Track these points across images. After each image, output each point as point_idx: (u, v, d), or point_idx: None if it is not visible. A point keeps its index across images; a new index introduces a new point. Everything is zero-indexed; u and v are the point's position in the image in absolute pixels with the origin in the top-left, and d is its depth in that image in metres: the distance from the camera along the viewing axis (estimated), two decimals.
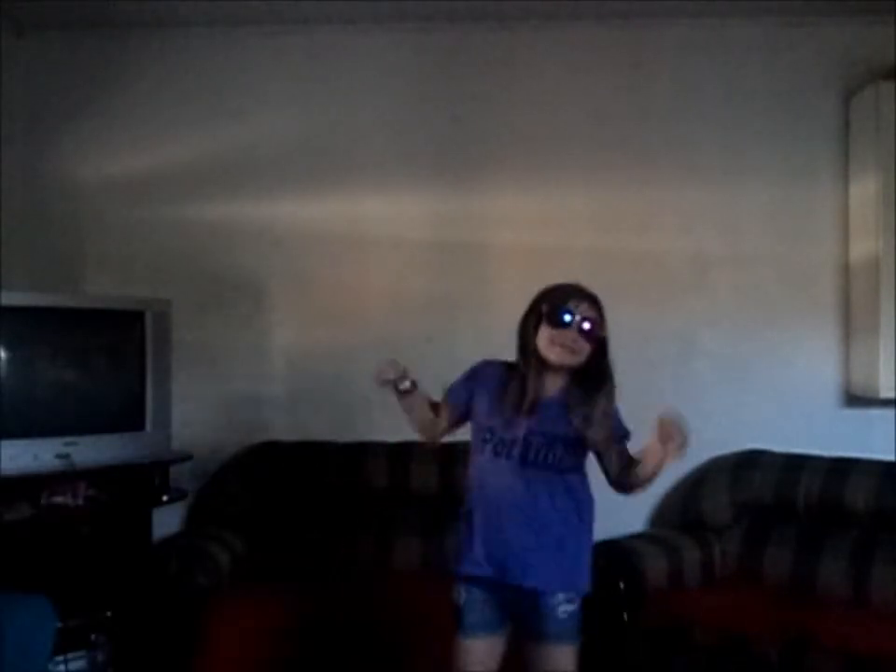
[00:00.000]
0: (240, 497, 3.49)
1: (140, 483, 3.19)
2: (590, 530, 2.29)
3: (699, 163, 3.67)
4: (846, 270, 3.58)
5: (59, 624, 2.70)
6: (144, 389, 3.20)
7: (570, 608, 2.21)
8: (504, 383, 2.22)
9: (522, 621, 2.24)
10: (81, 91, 3.76)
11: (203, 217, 3.75)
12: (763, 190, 3.64)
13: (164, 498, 3.26)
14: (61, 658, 2.87)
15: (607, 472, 2.27)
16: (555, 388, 2.22)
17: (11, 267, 3.41)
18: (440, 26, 3.67)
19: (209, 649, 2.88)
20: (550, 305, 2.19)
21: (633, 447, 2.27)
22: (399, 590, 3.09)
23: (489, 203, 3.70)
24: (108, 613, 3.01)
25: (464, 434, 2.34)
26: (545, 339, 2.17)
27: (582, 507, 2.27)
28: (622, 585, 3.04)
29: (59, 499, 2.93)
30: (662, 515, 3.61)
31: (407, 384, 2.25)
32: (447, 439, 2.42)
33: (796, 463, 3.32)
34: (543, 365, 2.19)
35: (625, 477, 2.25)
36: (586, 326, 2.16)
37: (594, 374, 2.21)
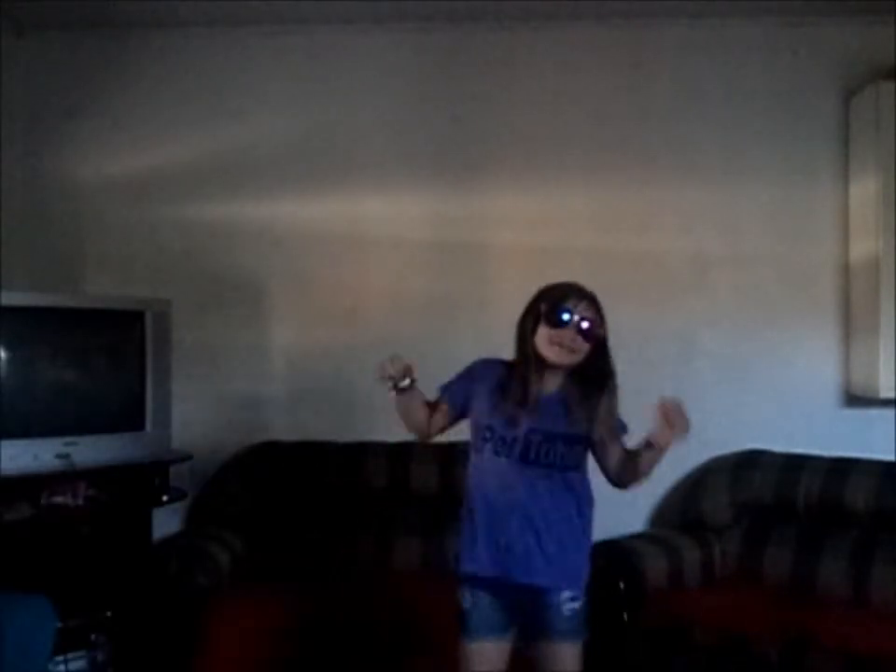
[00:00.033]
0: (240, 496, 3.49)
1: (140, 482, 3.19)
2: (590, 527, 2.29)
3: (699, 163, 3.67)
4: (846, 270, 3.58)
5: (59, 624, 2.70)
6: (144, 389, 3.20)
7: (575, 605, 2.23)
8: (503, 381, 2.22)
9: (527, 620, 2.24)
10: (81, 91, 3.76)
11: (203, 217, 3.75)
12: (763, 190, 3.64)
13: (164, 498, 3.25)
14: (61, 658, 2.87)
15: (605, 469, 2.28)
16: (554, 386, 2.23)
17: (11, 267, 3.41)
18: (440, 26, 3.67)
19: (209, 649, 2.88)
20: (548, 305, 2.19)
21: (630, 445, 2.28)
22: (398, 590, 3.09)
23: (489, 203, 3.70)
24: (108, 613, 3.01)
25: (464, 434, 2.34)
26: (544, 338, 2.17)
27: (582, 504, 2.27)
28: (622, 585, 3.04)
29: (59, 499, 2.93)
30: (662, 515, 3.62)
31: (406, 382, 2.24)
32: (447, 438, 2.42)
33: (796, 463, 3.32)
34: (542, 364, 2.19)
35: (624, 470, 2.26)
36: (584, 325, 2.17)
37: (594, 373, 2.21)
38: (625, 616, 3.00)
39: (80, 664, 2.95)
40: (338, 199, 3.73)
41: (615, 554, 3.15)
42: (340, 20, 3.66)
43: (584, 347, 2.18)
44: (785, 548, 3.22)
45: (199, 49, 3.75)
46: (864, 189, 3.46)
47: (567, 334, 2.16)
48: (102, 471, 3.02)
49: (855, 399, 3.54)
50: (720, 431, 3.52)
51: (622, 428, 2.27)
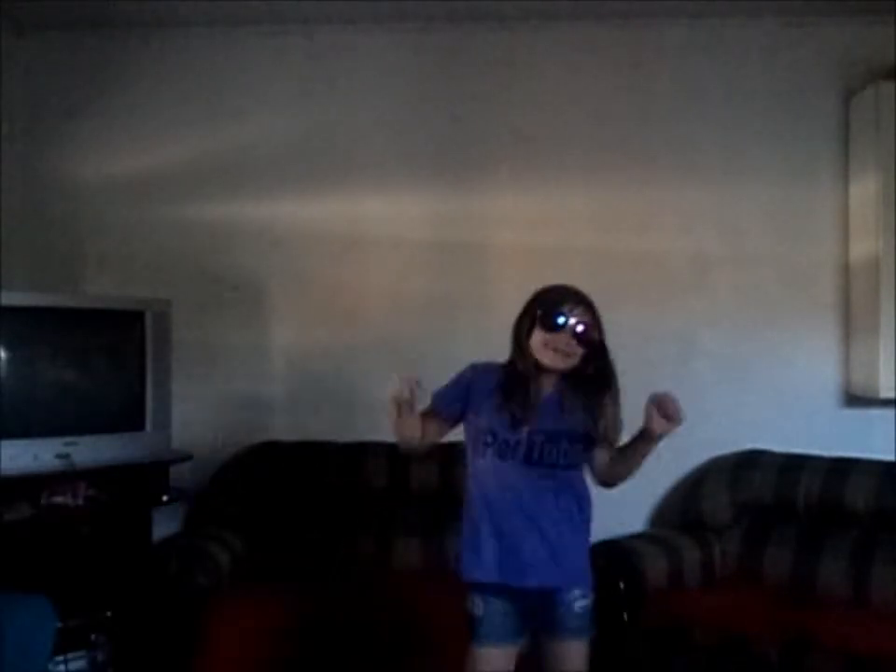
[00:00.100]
0: (240, 496, 3.49)
1: (140, 482, 3.19)
2: (589, 525, 2.31)
3: (699, 163, 3.67)
4: (846, 270, 3.58)
5: (59, 624, 2.70)
6: (144, 389, 3.20)
7: (585, 602, 2.24)
8: (500, 385, 2.22)
9: (538, 622, 2.24)
10: (81, 91, 3.76)
11: (203, 217, 3.75)
12: (763, 190, 3.64)
13: (164, 498, 3.25)
14: (61, 658, 2.87)
15: (593, 467, 2.29)
16: (550, 386, 2.23)
17: (11, 267, 3.41)
18: (440, 26, 3.67)
19: (209, 649, 2.87)
20: (543, 309, 2.19)
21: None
22: (398, 590, 3.09)
23: (489, 203, 3.70)
24: (108, 613, 3.01)
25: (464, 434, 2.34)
26: (539, 342, 2.18)
27: (583, 502, 2.28)
28: (622, 585, 3.04)
29: (59, 499, 2.93)
30: (662, 515, 3.62)
31: (416, 408, 2.18)
32: (447, 438, 2.41)
33: (796, 463, 3.32)
34: (537, 367, 2.20)
35: (615, 466, 2.28)
36: (579, 329, 2.17)
37: (594, 376, 2.21)
38: (625, 616, 2.99)
39: (80, 664, 2.95)
40: (338, 199, 3.73)
41: (615, 554, 3.15)
42: (340, 20, 3.66)
43: (579, 351, 2.18)
44: (785, 548, 3.22)
45: (199, 48, 3.75)
46: (864, 189, 3.46)
47: (561, 339, 2.16)
48: (102, 471, 3.02)
49: (855, 398, 3.54)
50: (720, 431, 3.52)
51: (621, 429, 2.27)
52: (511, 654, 2.25)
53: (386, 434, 3.50)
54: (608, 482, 2.31)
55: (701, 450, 3.53)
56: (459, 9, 3.57)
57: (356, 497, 3.48)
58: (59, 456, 2.94)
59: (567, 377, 2.23)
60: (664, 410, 2.14)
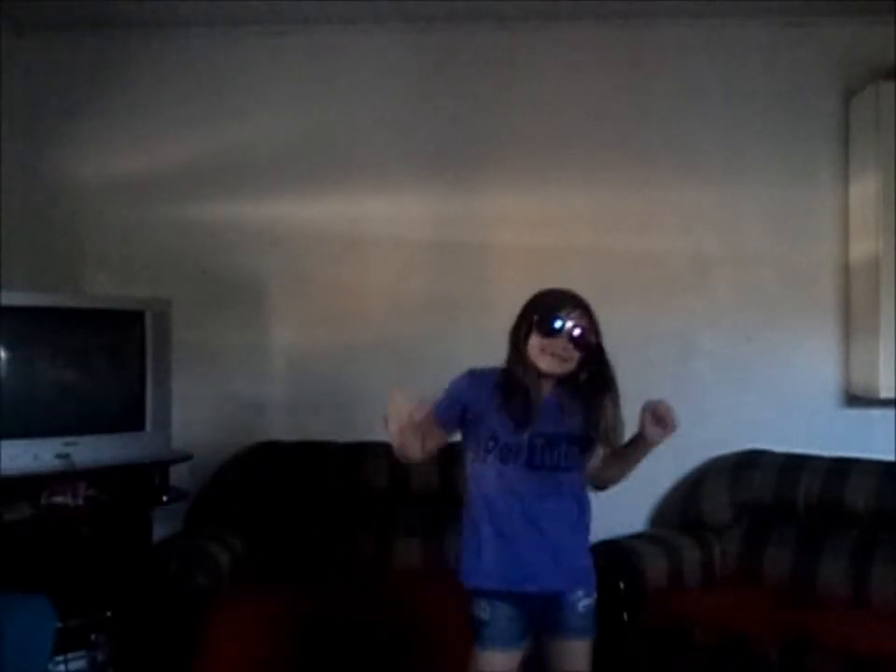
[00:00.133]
0: (240, 496, 3.49)
1: (140, 482, 3.19)
2: (589, 526, 2.32)
3: (699, 163, 3.67)
4: (846, 270, 3.58)
5: (59, 624, 2.71)
6: (144, 389, 3.20)
7: (589, 601, 2.26)
8: (501, 389, 2.21)
9: (543, 624, 2.24)
10: (81, 91, 3.76)
11: (203, 217, 3.75)
12: (763, 190, 3.64)
13: (164, 498, 3.25)
14: (61, 658, 2.87)
15: (586, 469, 2.30)
16: (549, 390, 2.23)
17: (11, 267, 3.41)
18: (440, 26, 3.67)
19: (209, 649, 2.87)
20: (540, 314, 2.19)
21: None
22: (398, 590, 3.09)
23: (489, 203, 3.70)
24: (108, 613, 3.01)
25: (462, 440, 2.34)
26: (536, 347, 2.17)
27: (583, 504, 2.29)
28: (622, 585, 3.04)
29: (59, 499, 2.93)
30: (662, 515, 3.62)
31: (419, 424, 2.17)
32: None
33: (796, 463, 3.32)
34: (535, 371, 2.19)
35: (608, 469, 2.30)
36: (576, 332, 2.16)
37: (592, 378, 2.21)
38: (625, 616, 2.99)
39: (80, 664, 2.95)
40: (338, 199, 3.73)
41: (615, 554, 3.15)
42: (340, 20, 3.66)
43: (576, 356, 2.17)
44: (785, 548, 3.22)
45: (199, 48, 3.75)
46: (864, 189, 3.46)
47: (558, 343, 2.16)
48: (102, 471, 3.02)
49: (855, 398, 3.54)
50: (720, 431, 3.53)
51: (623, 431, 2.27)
52: (516, 657, 2.24)
53: (386, 434, 3.52)
54: (598, 485, 2.32)
55: (701, 450, 3.54)
56: (459, 9, 3.57)
57: (356, 496, 3.48)
58: (59, 456, 2.94)
59: (565, 380, 2.23)
60: (658, 417, 2.15)
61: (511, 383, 2.20)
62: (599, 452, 2.28)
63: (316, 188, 3.74)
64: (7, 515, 2.81)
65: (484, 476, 2.22)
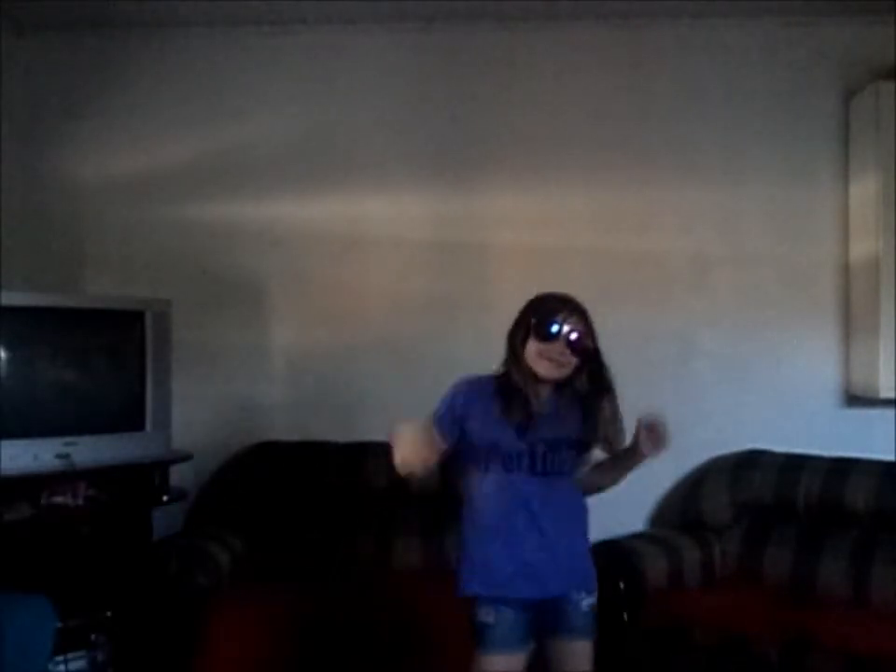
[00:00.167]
0: (240, 496, 3.49)
1: (140, 482, 3.19)
2: (588, 528, 2.34)
3: (699, 163, 3.67)
4: (846, 270, 3.58)
5: (59, 624, 2.71)
6: (144, 389, 3.20)
7: (591, 600, 2.27)
8: (500, 396, 2.20)
9: (546, 626, 2.25)
10: (81, 91, 3.76)
11: (203, 217, 3.75)
12: (763, 190, 3.64)
13: (164, 498, 3.26)
14: (61, 658, 2.87)
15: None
16: (546, 395, 2.23)
17: (11, 267, 3.41)
18: (440, 26, 3.67)
19: (209, 649, 2.87)
20: (537, 319, 2.19)
21: None
22: (398, 590, 3.09)
23: (489, 203, 3.70)
24: (108, 613, 3.01)
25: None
26: (533, 352, 2.18)
27: (582, 507, 2.31)
28: (622, 585, 3.04)
29: (59, 499, 2.93)
30: (662, 515, 3.62)
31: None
32: None
33: (796, 463, 3.32)
34: (533, 377, 2.19)
35: (597, 475, 2.32)
36: (573, 336, 2.16)
37: (591, 384, 2.22)
38: (625, 616, 3.00)
39: (80, 664, 2.95)
40: (338, 199, 3.73)
41: (615, 554, 3.15)
42: (340, 20, 3.66)
43: (573, 361, 2.18)
44: (785, 548, 3.22)
45: (199, 48, 3.75)
46: (864, 189, 3.46)
47: (555, 348, 2.16)
48: (102, 471, 3.02)
49: (855, 398, 3.54)
50: (720, 431, 3.53)
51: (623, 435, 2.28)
52: (521, 660, 2.24)
53: (386, 434, 3.52)
54: (584, 491, 2.33)
55: (701, 450, 3.54)
56: (459, 9, 3.57)
57: (356, 496, 3.48)
58: (59, 456, 2.94)
59: (562, 385, 2.23)
60: (653, 433, 2.18)
61: (508, 389, 2.19)
62: (590, 458, 2.29)
63: (316, 188, 3.74)
64: (7, 515, 2.81)
65: (488, 485, 2.21)
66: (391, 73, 3.72)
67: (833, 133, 3.60)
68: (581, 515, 2.30)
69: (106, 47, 3.76)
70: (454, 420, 2.21)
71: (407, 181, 3.72)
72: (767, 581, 3.21)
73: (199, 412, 3.62)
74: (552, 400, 2.23)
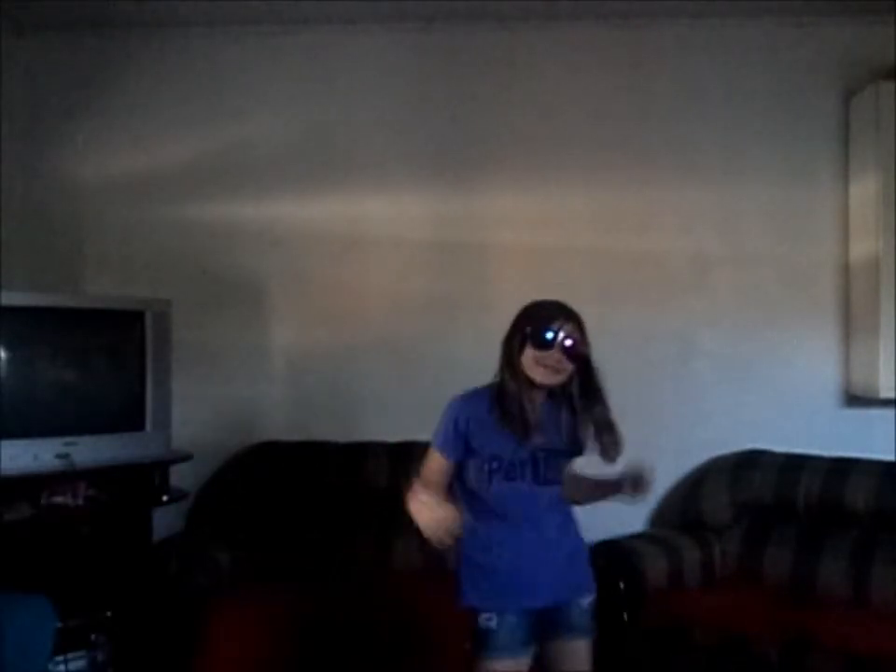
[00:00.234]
0: (240, 496, 3.49)
1: (140, 482, 3.19)
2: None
3: (699, 163, 3.67)
4: (846, 270, 3.59)
5: (59, 624, 2.70)
6: (144, 389, 3.20)
7: (591, 598, 2.30)
8: (498, 407, 2.19)
9: (547, 625, 2.25)
10: (81, 91, 3.76)
11: (203, 217, 3.75)
12: (763, 190, 3.64)
13: (164, 498, 3.25)
14: (61, 658, 2.87)
15: None
16: (541, 403, 2.23)
17: (11, 267, 3.41)
18: (440, 26, 3.67)
19: (209, 649, 2.87)
20: (533, 326, 2.19)
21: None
22: (398, 590, 3.09)
23: (489, 203, 3.70)
24: (108, 613, 3.01)
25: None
26: (530, 359, 2.17)
27: (571, 509, 2.33)
28: (622, 585, 3.04)
29: (59, 499, 2.93)
30: (662, 515, 3.62)
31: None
32: None
33: (796, 463, 3.32)
34: (529, 384, 2.19)
35: (575, 485, 2.33)
36: (568, 343, 2.16)
37: (584, 391, 2.22)
38: (625, 616, 3.00)
39: (80, 664, 2.95)
40: (338, 199, 3.73)
41: (615, 554, 3.15)
42: (340, 20, 3.66)
43: (569, 367, 2.18)
44: (785, 548, 3.22)
45: (199, 48, 3.75)
46: (864, 189, 3.46)
47: (552, 355, 2.16)
48: (102, 471, 3.02)
49: (855, 398, 3.54)
50: (720, 431, 3.53)
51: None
52: (525, 663, 2.24)
53: (386, 434, 3.54)
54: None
55: (701, 450, 3.54)
56: (459, 9, 3.57)
57: (356, 497, 3.48)
58: (59, 456, 2.94)
59: (555, 392, 2.24)
60: (639, 484, 2.23)
61: (506, 398, 2.19)
62: (571, 465, 2.31)
63: (316, 188, 3.74)
64: (7, 515, 2.81)
65: (491, 496, 2.21)
66: (391, 73, 3.72)
67: (833, 133, 3.60)
68: (574, 519, 2.33)
69: (106, 47, 3.76)
70: (457, 438, 2.21)
71: (407, 181, 3.72)
72: (767, 581, 3.21)
73: (199, 412, 3.62)
74: (545, 407, 2.24)
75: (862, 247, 3.48)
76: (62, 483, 2.94)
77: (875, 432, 3.44)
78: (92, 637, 2.98)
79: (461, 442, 2.20)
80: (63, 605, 2.72)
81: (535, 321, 2.19)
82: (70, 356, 3.16)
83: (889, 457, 3.26)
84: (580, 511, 2.36)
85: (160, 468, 3.26)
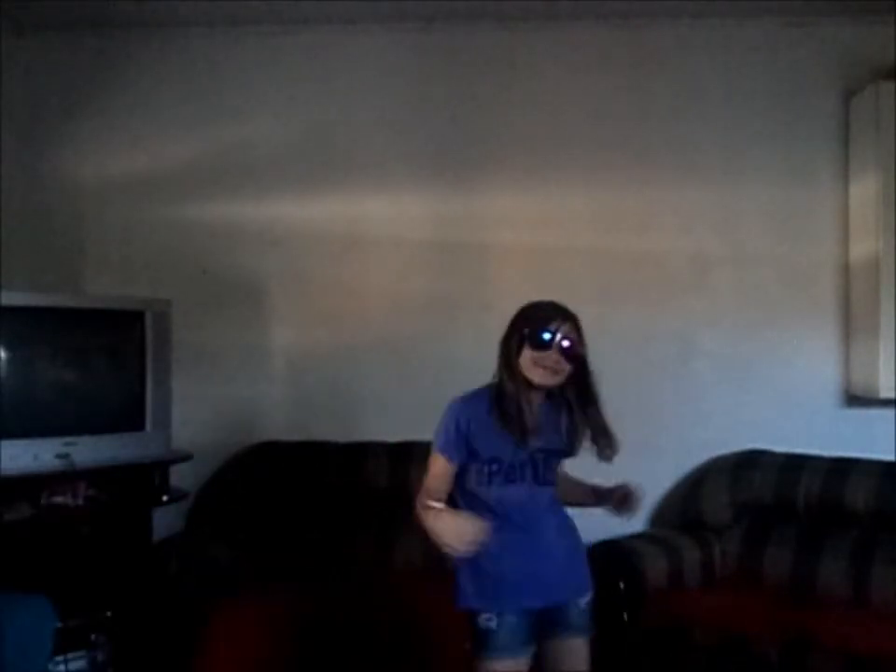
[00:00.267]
0: (240, 496, 3.49)
1: (140, 482, 3.19)
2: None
3: (699, 163, 3.67)
4: (846, 270, 3.59)
5: (59, 624, 2.71)
6: (144, 389, 3.20)
7: (589, 597, 2.30)
8: (497, 409, 2.19)
9: (546, 624, 2.25)
10: (81, 91, 3.76)
11: (203, 217, 3.75)
12: (763, 190, 3.64)
13: (164, 498, 3.25)
14: (61, 658, 2.87)
15: None
16: (538, 404, 2.24)
17: (11, 267, 3.41)
18: (440, 26, 3.67)
19: (209, 649, 2.87)
20: (531, 327, 2.19)
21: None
22: (398, 590, 3.09)
23: (489, 203, 3.70)
24: (108, 613, 3.01)
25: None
26: (528, 361, 2.18)
27: (565, 509, 2.34)
28: (622, 585, 3.04)
29: (59, 499, 2.93)
30: (662, 515, 3.61)
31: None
32: None
33: (796, 463, 3.32)
34: (527, 385, 2.20)
35: (565, 487, 2.35)
36: (565, 344, 2.17)
37: (580, 392, 2.23)
38: (625, 616, 3.00)
39: (80, 664, 2.95)
40: (338, 199, 3.73)
41: (615, 554, 3.15)
42: (340, 20, 3.66)
43: (567, 367, 2.18)
44: (785, 548, 3.22)
45: (199, 48, 3.75)
46: (864, 189, 3.46)
47: (551, 356, 2.17)
48: (102, 471, 3.02)
49: (855, 398, 3.54)
50: (720, 431, 3.53)
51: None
52: (526, 662, 2.24)
53: (386, 434, 3.54)
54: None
55: (701, 450, 3.54)
56: (459, 9, 3.57)
57: (356, 496, 3.48)
58: (59, 456, 2.94)
59: (553, 394, 2.24)
60: (625, 503, 2.28)
61: (505, 399, 2.19)
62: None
63: (316, 188, 3.74)
64: (7, 515, 2.81)
65: (491, 498, 2.21)
66: (391, 73, 3.72)
67: (833, 133, 3.60)
68: (570, 518, 2.34)
69: (106, 47, 3.76)
70: (460, 440, 2.20)
71: (407, 181, 3.72)
72: (767, 581, 3.21)
73: (199, 412, 3.62)
74: (544, 409, 2.24)
75: (862, 247, 3.48)
76: (62, 483, 2.94)
77: (875, 432, 3.44)
78: (92, 637, 2.98)
79: (463, 444, 2.20)
80: (63, 605, 2.72)
81: (532, 322, 2.20)
82: (70, 356, 3.16)
83: (889, 457, 3.26)
84: (580, 512, 2.37)
85: (160, 468, 3.26)
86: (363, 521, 3.44)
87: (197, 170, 3.75)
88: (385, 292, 3.74)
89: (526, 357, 2.18)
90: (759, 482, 3.35)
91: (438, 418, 2.23)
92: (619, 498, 2.30)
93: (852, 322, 3.56)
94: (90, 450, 3.01)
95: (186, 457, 3.34)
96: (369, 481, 3.47)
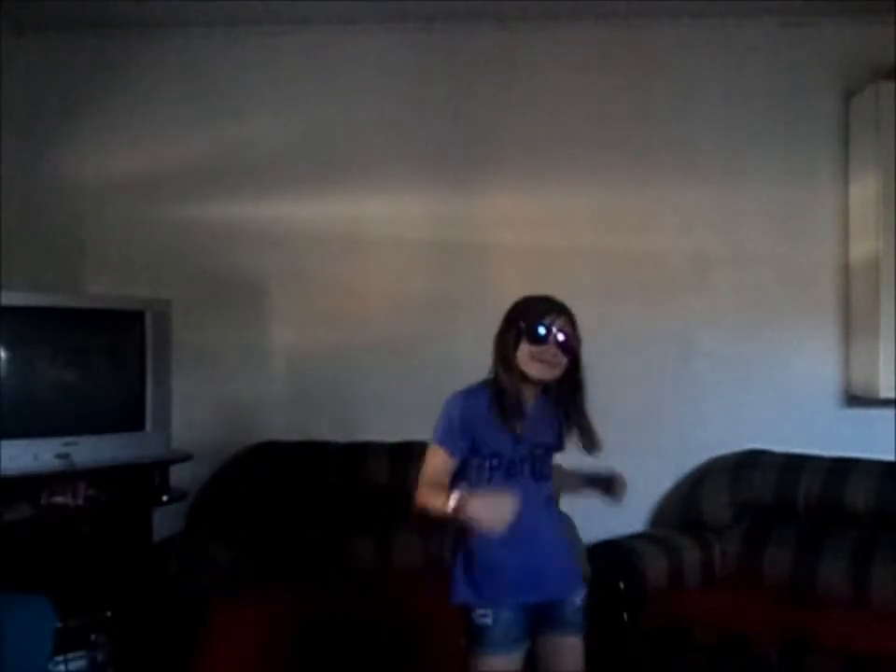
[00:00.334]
0: (240, 496, 3.49)
1: (140, 482, 3.19)
2: None
3: (699, 163, 3.67)
4: (846, 270, 3.59)
5: (59, 624, 2.71)
6: (144, 389, 3.20)
7: (582, 593, 2.31)
8: (494, 405, 2.19)
9: (540, 621, 2.25)
10: (81, 91, 3.77)
11: (203, 217, 3.75)
12: (763, 190, 3.64)
13: (164, 498, 3.26)
14: (61, 658, 2.87)
15: None
16: (533, 399, 2.24)
17: (11, 267, 3.41)
18: (440, 26, 3.67)
19: (209, 649, 2.87)
20: (527, 322, 2.19)
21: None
22: (398, 590, 3.09)
23: (489, 203, 3.70)
24: (108, 613, 3.01)
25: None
26: (525, 355, 2.17)
27: (555, 504, 2.38)
28: (622, 585, 3.04)
29: (59, 499, 2.94)
30: (662, 515, 3.62)
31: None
32: None
33: (796, 463, 3.32)
34: (523, 379, 2.20)
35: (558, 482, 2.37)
36: (561, 337, 2.17)
37: (573, 386, 2.23)
38: (625, 616, 3.00)
39: (80, 664, 2.95)
40: (338, 199, 3.73)
41: (615, 554, 3.16)
42: (340, 20, 3.66)
43: (564, 361, 2.19)
44: (785, 548, 3.22)
45: (199, 48, 3.75)
46: (864, 189, 3.46)
47: (547, 350, 2.17)
48: (102, 471, 3.02)
49: (855, 398, 3.54)
50: (720, 431, 3.53)
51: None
52: (519, 658, 2.24)
53: (386, 434, 3.54)
54: None
55: (701, 450, 3.54)
56: (459, 9, 3.57)
57: (356, 497, 3.48)
58: (59, 456, 2.94)
59: (549, 388, 2.25)
60: (611, 486, 2.31)
61: (502, 396, 2.19)
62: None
63: (316, 188, 3.74)
64: (7, 515, 2.81)
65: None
66: (391, 73, 3.72)
67: (833, 133, 3.60)
68: (558, 512, 2.39)
69: (106, 47, 3.76)
70: (462, 431, 2.19)
71: (407, 181, 3.72)
72: (767, 580, 3.21)
73: (199, 412, 3.62)
74: (540, 403, 2.25)
75: (862, 247, 3.48)
76: (62, 483, 2.94)
77: (875, 432, 3.44)
78: (92, 637, 2.98)
79: (464, 437, 2.19)
80: (63, 605, 2.73)
81: (528, 316, 2.19)
82: (70, 356, 3.16)
83: (889, 457, 3.26)
84: (579, 512, 2.37)
85: (160, 468, 3.26)
86: (363, 521, 3.44)
87: (197, 170, 3.75)
88: (385, 292, 3.74)
89: (524, 351, 2.18)
90: (759, 482, 3.35)
91: (437, 418, 2.23)
92: (604, 486, 2.32)
93: (852, 322, 3.56)
94: (90, 450, 3.01)
95: (186, 457, 3.35)
96: (368, 481, 3.47)
